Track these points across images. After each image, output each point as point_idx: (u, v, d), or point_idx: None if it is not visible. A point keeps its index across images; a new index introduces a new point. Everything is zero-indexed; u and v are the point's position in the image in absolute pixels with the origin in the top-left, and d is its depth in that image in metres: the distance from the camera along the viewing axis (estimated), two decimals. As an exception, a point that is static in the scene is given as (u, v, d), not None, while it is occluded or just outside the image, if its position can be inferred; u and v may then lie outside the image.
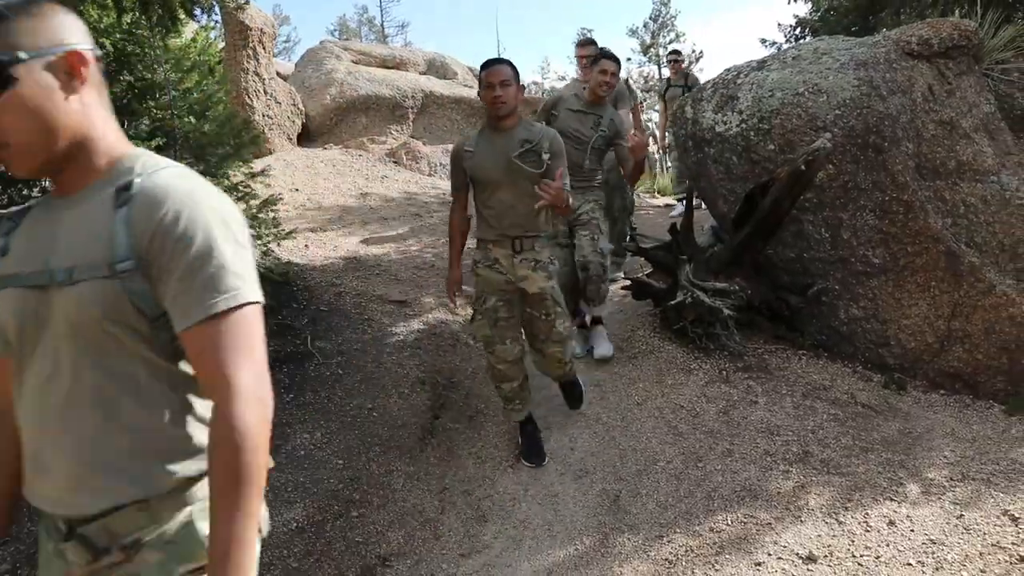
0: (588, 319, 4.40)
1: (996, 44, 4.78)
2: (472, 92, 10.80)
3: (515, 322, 3.17)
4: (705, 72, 29.48)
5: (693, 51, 30.73)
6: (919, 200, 3.96)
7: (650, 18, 31.63)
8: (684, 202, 7.62)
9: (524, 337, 3.32)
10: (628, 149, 3.78)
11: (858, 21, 8.68)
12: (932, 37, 4.31)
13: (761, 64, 4.63)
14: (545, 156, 2.96)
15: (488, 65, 2.99)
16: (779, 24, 10.91)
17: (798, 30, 10.54)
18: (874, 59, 4.16)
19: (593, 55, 5.06)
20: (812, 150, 3.77)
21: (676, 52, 8.58)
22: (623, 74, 4.69)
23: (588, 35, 34.74)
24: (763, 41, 11.31)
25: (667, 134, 8.08)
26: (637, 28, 31.76)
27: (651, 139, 10.98)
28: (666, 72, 8.25)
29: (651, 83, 28.63)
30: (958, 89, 4.34)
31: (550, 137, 3.01)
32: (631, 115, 6.26)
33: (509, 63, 3.01)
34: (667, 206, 8.79)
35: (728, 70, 4.82)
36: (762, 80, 4.41)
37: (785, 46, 10.17)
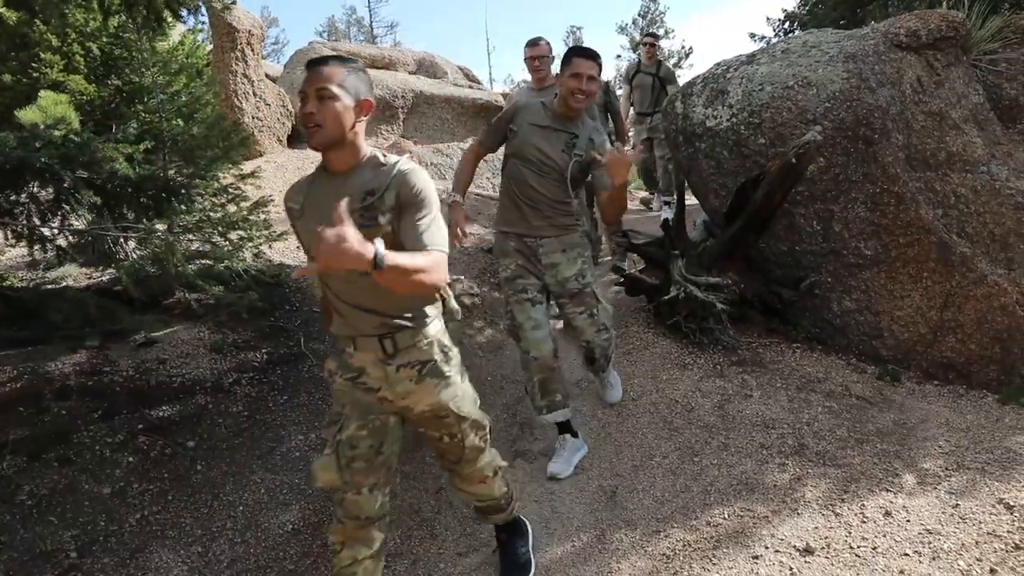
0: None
1: (983, 35, 4.79)
2: (463, 91, 10.79)
3: (386, 460, 2.11)
4: (695, 69, 29.54)
5: (683, 47, 30.81)
6: (910, 191, 3.97)
7: (639, 14, 31.70)
8: (660, 201, 7.59)
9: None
10: (608, 165, 2.69)
11: (847, 14, 8.72)
12: (920, 28, 4.33)
13: (751, 58, 4.63)
14: (383, 219, 1.87)
15: (310, 65, 1.90)
16: (768, 18, 10.98)
17: (787, 24, 10.60)
18: (863, 51, 4.17)
19: (541, 55, 4.33)
20: (803, 143, 3.77)
21: (653, 35, 7.61)
22: (605, 75, 3.71)
23: (577, 33, 34.80)
24: (752, 35, 11.37)
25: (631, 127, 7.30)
26: (626, 25, 31.81)
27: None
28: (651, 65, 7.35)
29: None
30: (947, 80, 4.36)
31: (399, 184, 1.88)
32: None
33: (344, 63, 1.91)
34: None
35: (718, 64, 4.82)
36: (752, 74, 4.42)
37: (774, 40, 10.21)
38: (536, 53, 4.35)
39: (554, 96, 3.10)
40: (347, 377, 2.07)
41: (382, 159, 1.94)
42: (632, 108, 7.46)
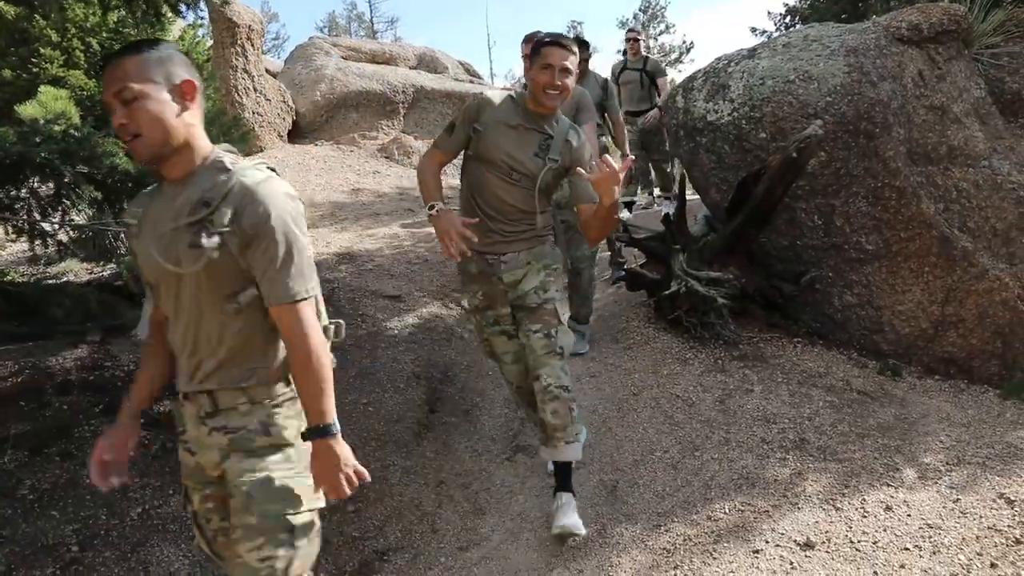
0: (549, 465, 2.97)
1: (985, 28, 4.77)
2: (463, 86, 10.78)
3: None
4: (695, 64, 29.49)
5: (683, 42, 30.73)
6: (911, 186, 3.96)
7: (640, 9, 31.59)
8: (629, 205, 7.49)
9: None
10: (593, 183, 2.31)
11: (848, 8, 8.68)
12: (922, 22, 4.31)
13: (752, 52, 4.61)
14: (208, 242, 1.48)
15: (103, 69, 1.57)
16: (769, 12, 10.94)
17: (788, 18, 10.56)
18: (864, 45, 4.15)
19: None
20: (804, 137, 3.76)
21: (633, 31, 7.51)
22: (604, 69, 3.16)
23: (578, 28, 34.70)
24: (753, 30, 11.32)
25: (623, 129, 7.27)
26: (627, 19, 31.71)
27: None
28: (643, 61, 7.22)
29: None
30: (948, 74, 4.34)
31: (239, 201, 1.50)
32: (613, 128, 5.52)
33: (139, 50, 1.53)
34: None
35: (719, 59, 4.80)
36: (753, 68, 4.40)
37: (775, 34, 10.18)
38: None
39: (523, 86, 2.64)
40: (177, 432, 1.69)
41: (227, 162, 1.55)
42: (621, 107, 7.35)
